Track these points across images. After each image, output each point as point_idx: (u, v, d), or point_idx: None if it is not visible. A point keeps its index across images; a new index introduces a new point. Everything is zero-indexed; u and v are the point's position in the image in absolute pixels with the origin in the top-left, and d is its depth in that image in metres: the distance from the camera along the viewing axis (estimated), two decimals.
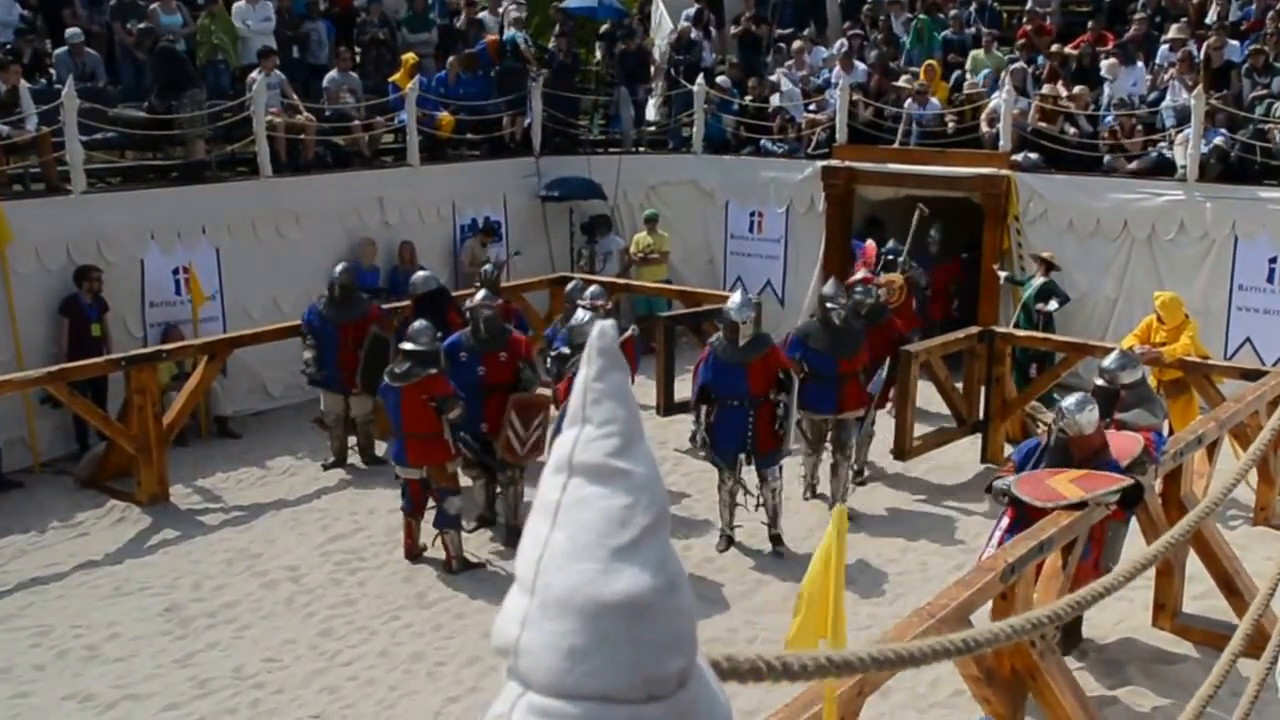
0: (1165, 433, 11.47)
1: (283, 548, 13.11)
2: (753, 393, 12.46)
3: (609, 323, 1.42)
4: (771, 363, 12.57)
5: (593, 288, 15.11)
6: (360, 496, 14.45)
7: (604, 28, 24.74)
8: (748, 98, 21.67)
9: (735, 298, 13.06)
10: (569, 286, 15.89)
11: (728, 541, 12.97)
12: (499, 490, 13.42)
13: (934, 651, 1.55)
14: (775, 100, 21.36)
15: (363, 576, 12.34)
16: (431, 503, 12.52)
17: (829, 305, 13.65)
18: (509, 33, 22.59)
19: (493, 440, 12.97)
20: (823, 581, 6.06)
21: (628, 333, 13.86)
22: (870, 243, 16.80)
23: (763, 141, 21.26)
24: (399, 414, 12.20)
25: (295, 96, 18.83)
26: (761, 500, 12.82)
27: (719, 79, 22.07)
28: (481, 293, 13.78)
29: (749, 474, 12.82)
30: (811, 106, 21.05)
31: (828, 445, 13.91)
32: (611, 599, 1.28)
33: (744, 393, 12.45)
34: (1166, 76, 18.88)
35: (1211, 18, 20.55)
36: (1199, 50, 19.15)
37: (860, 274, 15.68)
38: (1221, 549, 10.83)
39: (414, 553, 12.63)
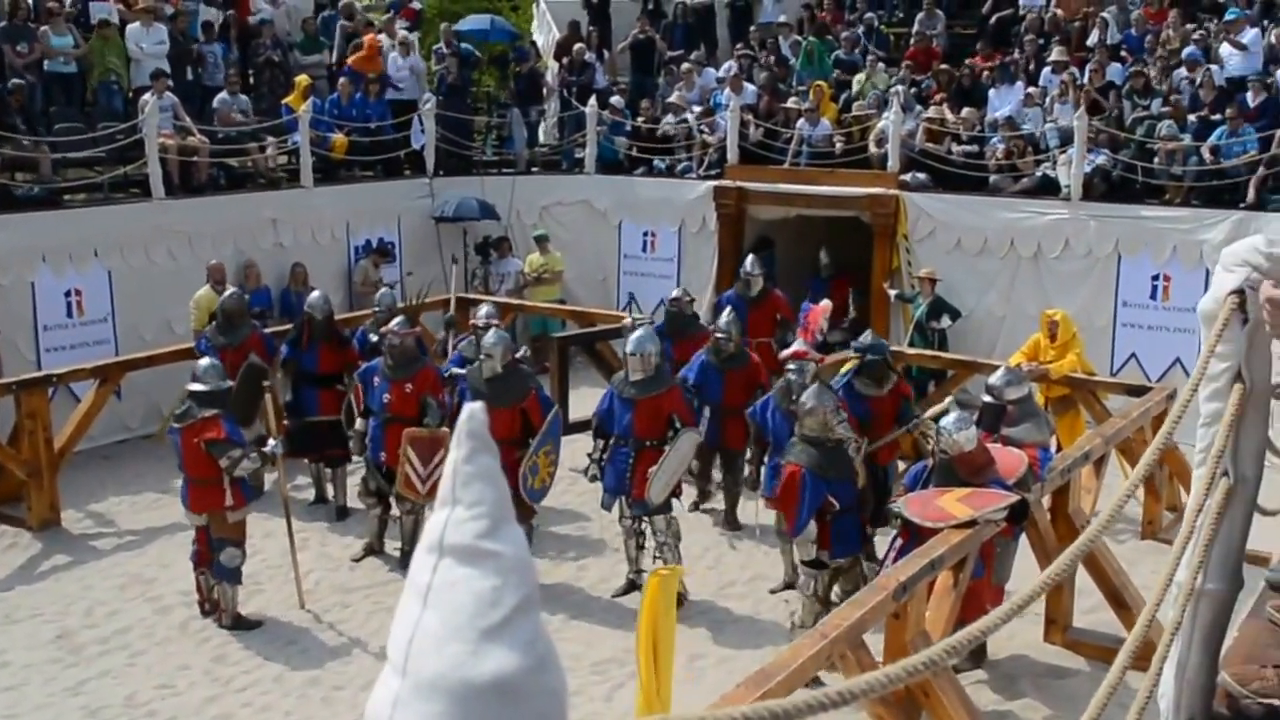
0: (1053, 449, 11.57)
1: (178, 572, 12.75)
2: (636, 433, 11.92)
3: (478, 405, 1.41)
4: (664, 406, 11.97)
5: (485, 307, 14.97)
6: (254, 521, 14.15)
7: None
8: (640, 119, 21.69)
9: (637, 331, 12.53)
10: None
11: (629, 586, 12.33)
12: (397, 519, 13.17)
13: (818, 704, 1.49)
14: (668, 121, 21.40)
15: (259, 602, 12.13)
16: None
17: (790, 372, 12.32)
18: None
19: (393, 471, 12.66)
20: (647, 652, 5.80)
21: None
22: (825, 303, 14.67)
23: (655, 162, 21.29)
24: (180, 456, 11.61)
25: (188, 118, 18.56)
26: (657, 554, 12.12)
27: (612, 100, 22.08)
28: (396, 320, 13.55)
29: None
30: (703, 127, 21.09)
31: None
32: (481, 680, 1.27)
33: (628, 432, 11.94)
34: (1049, 99, 19.13)
35: (1093, 41, 20.86)
36: (1081, 73, 19.44)
37: (796, 345, 13.25)
38: (1110, 564, 10.93)
39: (206, 608, 11.96)
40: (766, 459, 12.45)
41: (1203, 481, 2.86)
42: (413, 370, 13.02)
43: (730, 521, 14.05)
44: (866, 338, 13.25)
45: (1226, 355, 2.84)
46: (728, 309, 14.53)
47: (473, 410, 1.38)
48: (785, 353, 13.28)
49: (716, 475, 14.42)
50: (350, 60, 21.81)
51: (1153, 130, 17.60)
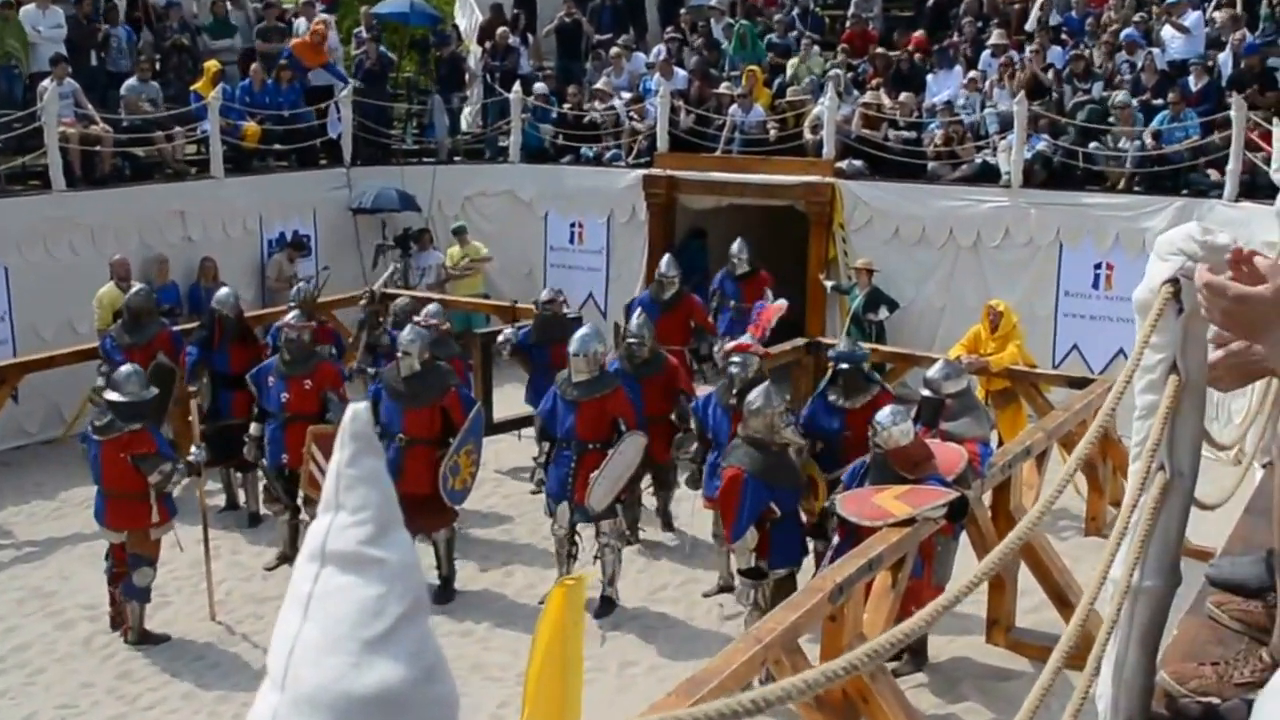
0: (994, 443, 11.64)
1: (79, 585, 12.66)
2: (579, 436, 11.85)
3: (363, 405, 1.41)
4: (609, 408, 11.90)
5: (430, 305, 14.97)
6: None
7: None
8: (566, 106, 21.65)
9: (581, 330, 12.47)
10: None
11: None
12: (308, 524, 12.99)
13: (730, 712, 1.49)
14: (595, 107, 21.37)
15: (166, 615, 11.99)
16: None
17: (734, 365, 12.19)
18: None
19: (295, 473, 12.55)
20: (554, 667, 5.75)
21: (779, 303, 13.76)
22: (782, 303, 14.29)
23: (582, 150, 21.25)
24: (98, 469, 11.41)
25: (90, 105, 18.33)
26: (597, 555, 12.11)
27: (537, 86, 22.02)
28: (293, 313, 13.48)
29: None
30: (632, 114, 21.08)
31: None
32: (363, 693, 1.27)
33: (570, 435, 11.87)
34: (988, 83, 19.26)
35: (1031, 24, 21.01)
36: (1020, 56, 19.58)
37: (742, 339, 13.07)
38: (1053, 561, 11.02)
39: (117, 621, 11.80)
40: (708, 457, 12.25)
41: (1138, 476, 2.87)
42: (310, 366, 12.98)
43: (664, 520, 14.00)
44: (842, 344, 12.72)
45: (1161, 346, 2.85)
46: (638, 310, 14.16)
47: (356, 411, 1.37)
48: (729, 345, 13.10)
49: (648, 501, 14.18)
50: (293, 45, 21.63)
51: (1093, 115, 17.76)
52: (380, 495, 1.36)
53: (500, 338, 15.23)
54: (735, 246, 17.28)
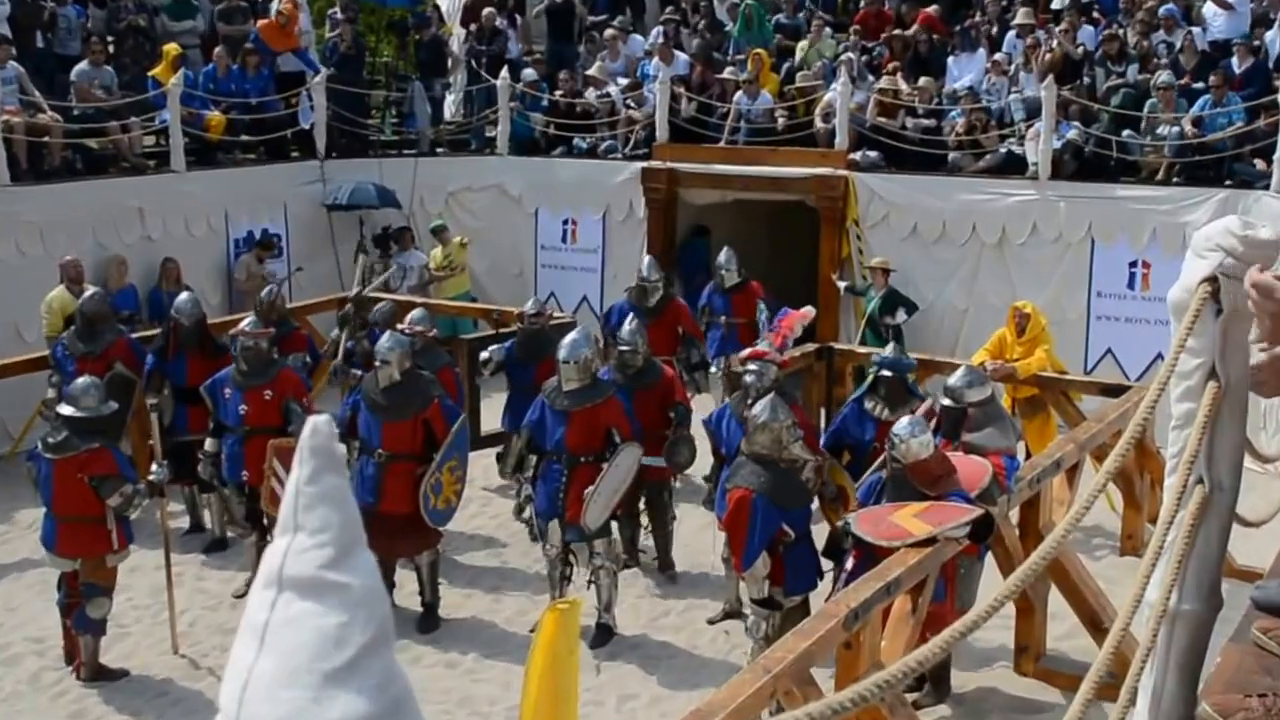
0: (1020, 456, 11.62)
1: (27, 616, 12.57)
2: (569, 448, 11.76)
3: (324, 418, 1.40)
4: (601, 418, 11.83)
5: (415, 311, 14.93)
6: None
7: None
8: (558, 93, 21.65)
9: (571, 334, 12.39)
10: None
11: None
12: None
13: None
14: (590, 95, 21.37)
15: (125, 647, 11.93)
16: None
17: (749, 374, 12.03)
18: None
19: (258, 491, 12.45)
20: (547, 699, 5.73)
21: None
22: (809, 309, 14.03)
23: (575, 141, 21.24)
24: (49, 490, 11.15)
25: (36, 92, 18.27)
26: (591, 579, 12.08)
27: (525, 72, 22.01)
28: (248, 319, 13.44)
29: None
30: (629, 102, 21.07)
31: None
32: None
33: (560, 447, 11.78)
34: (1014, 66, 19.23)
35: (1060, 1, 20.98)
36: (1049, 36, 19.55)
37: (762, 345, 12.83)
38: (1085, 582, 10.97)
39: (72, 658, 11.63)
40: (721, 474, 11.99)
41: (1174, 490, 2.87)
42: (270, 375, 12.91)
43: (663, 565, 13.63)
44: (889, 351, 12.77)
45: (1199, 350, 2.85)
46: (629, 317, 14.01)
47: (316, 424, 1.36)
48: (745, 352, 12.91)
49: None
50: (260, 28, 21.60)
51: (1128, 100, 17.73)
52: (342, 515, 1.34)
53: (483, 356, 15.08)
54: (723, 257, 17.06)
